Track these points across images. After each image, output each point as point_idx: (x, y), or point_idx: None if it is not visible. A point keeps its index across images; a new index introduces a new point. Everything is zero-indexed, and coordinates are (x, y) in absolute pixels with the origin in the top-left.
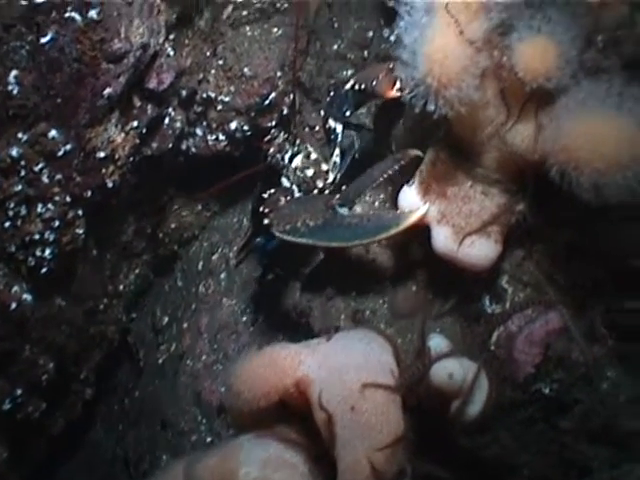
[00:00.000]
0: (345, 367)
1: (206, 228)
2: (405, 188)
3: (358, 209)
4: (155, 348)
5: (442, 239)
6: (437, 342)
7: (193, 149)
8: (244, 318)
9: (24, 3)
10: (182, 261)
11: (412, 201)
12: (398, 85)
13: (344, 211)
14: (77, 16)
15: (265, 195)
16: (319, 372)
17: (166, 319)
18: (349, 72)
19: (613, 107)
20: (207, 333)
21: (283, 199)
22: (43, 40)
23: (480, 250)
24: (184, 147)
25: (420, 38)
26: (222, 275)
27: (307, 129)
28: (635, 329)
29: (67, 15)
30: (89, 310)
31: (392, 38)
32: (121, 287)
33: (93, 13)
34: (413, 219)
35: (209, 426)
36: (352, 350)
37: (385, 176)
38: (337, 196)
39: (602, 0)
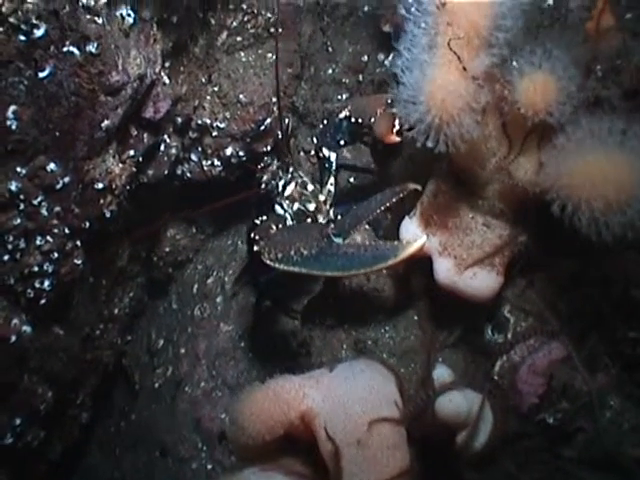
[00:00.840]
0: (349, 400)
1: (200, 251)
2: (406, 219)
3: (358, 238)
4: (151, 371)
5: (444, 270)
6: (440, 372)
7: (188, 174)
8: (242, 344)
9: (22, 39)
10: (177, 284)
11: (413, 232)
12: (397, 126)
13: (339, 241)
14: (75, 50)
15: (257, 222)
16: (323, 405)
17: (161, 342)
18: (344, 96)
19: (615, 145)
20: (205, 359)
21: (275, 227)
22: (41, 75)
23: (482, 281)
24: (179, 172)
25: (421, 76)
26: (218, 299)
27: (302, 153)
28: (638, 358)
29: (65, 49)
30: (85, 336)
31: (387, 63)
32: (116, 311)
33: (91, 47)
34: (412, 250)
35: (210, 453)
36: (356, 382)
37: (383, 209)
38: (332, 225)
39: (598, 27)
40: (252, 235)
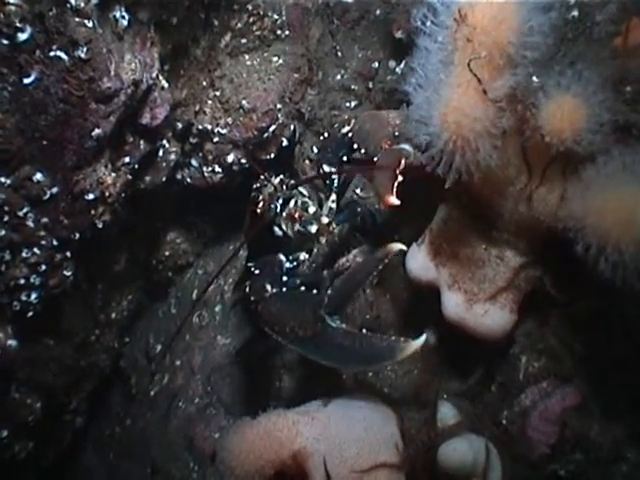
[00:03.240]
0: (345, 440)
1: (201, 256)
2: (414, 247)
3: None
4: (148, 376)
5: (453, 305)
6: (445, 412)
7: (188, 179)
8: (239, 359)
9: (5, 42)
10: (176, 288)
11: (422, 262)
12: (402, 165)
13: (333, 321)
14: (63, 55)
15: (250, 265)
16: (318, 445)
17: (159, 347)
18: (353, 104)
19: None
20: (200, 374)
21: (269, 285)
22: (26, 81)
23: (493, 319)
24: (179, 177)
25: (434, 96)
26: (217, 308)
27: (307, 161)
28: None
29: (52, 54)
30: (80, 343)
31: (398, 70)
32: (113, 315)
33: (80, 51)
34: (410, 351)
35: (202, 474)
36: (353, 420)
37: (370, 279)
38: (324, 303)
39: (627, 44)
40: (247, 290)
